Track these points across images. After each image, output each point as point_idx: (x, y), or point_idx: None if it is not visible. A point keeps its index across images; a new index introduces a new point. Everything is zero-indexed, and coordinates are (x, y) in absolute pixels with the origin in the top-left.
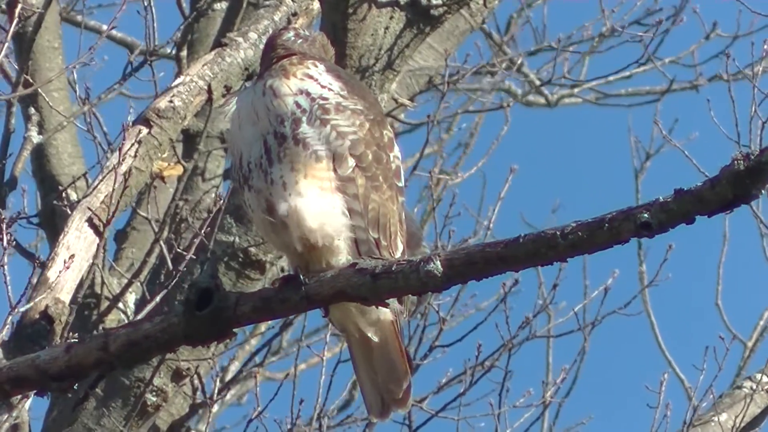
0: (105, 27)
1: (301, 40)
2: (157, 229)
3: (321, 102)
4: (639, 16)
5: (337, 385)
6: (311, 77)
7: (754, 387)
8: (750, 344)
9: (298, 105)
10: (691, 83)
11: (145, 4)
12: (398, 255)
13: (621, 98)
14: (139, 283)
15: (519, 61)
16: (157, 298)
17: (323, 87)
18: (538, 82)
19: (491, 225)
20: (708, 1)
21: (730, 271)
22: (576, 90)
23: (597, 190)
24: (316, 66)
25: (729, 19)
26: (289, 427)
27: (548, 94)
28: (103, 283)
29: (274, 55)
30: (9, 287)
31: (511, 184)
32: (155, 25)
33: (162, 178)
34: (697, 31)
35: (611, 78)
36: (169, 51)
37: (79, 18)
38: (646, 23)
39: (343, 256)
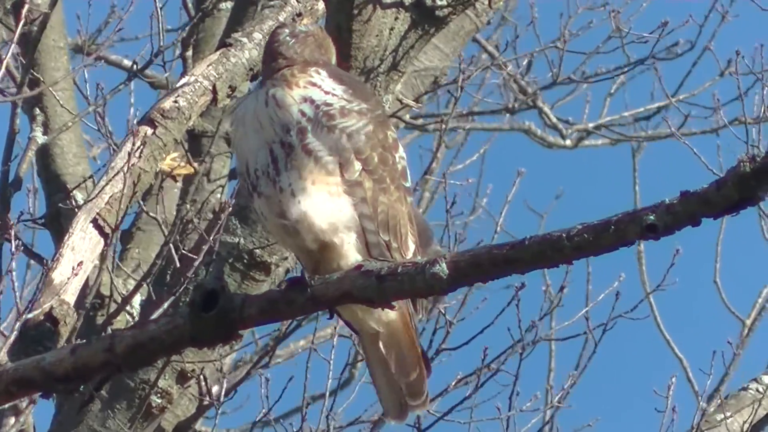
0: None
1: (293, 41)
2: (167, 232)
3: (325, 108)
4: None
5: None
6: (314, 84)
7: (761, 389)
8: (749, 322)
9: (302, 113)
10: (712, 129)
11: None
12: (410, 256)
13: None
14: (145, 284)
15: (539, 102)
16: (165, 305)
17: (326, 93)
18: (555, 120)
19: (499, 227)
20: (723, 40)
21: (729, 250)
22: (591, 125)
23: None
24: (319, 73)
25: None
26: (296, 429)
27: (563, 129)
28: (112, 284)
29: (275, 65)
30: (16, 292)
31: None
32: (161, 26)
33: (173, 177)
34: (713, 68)
35: (626, 114)
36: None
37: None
38: (665, 57)
39: (354, 257)
